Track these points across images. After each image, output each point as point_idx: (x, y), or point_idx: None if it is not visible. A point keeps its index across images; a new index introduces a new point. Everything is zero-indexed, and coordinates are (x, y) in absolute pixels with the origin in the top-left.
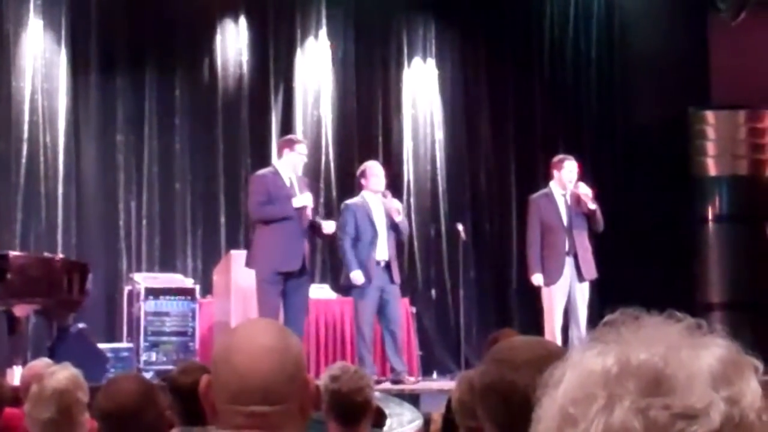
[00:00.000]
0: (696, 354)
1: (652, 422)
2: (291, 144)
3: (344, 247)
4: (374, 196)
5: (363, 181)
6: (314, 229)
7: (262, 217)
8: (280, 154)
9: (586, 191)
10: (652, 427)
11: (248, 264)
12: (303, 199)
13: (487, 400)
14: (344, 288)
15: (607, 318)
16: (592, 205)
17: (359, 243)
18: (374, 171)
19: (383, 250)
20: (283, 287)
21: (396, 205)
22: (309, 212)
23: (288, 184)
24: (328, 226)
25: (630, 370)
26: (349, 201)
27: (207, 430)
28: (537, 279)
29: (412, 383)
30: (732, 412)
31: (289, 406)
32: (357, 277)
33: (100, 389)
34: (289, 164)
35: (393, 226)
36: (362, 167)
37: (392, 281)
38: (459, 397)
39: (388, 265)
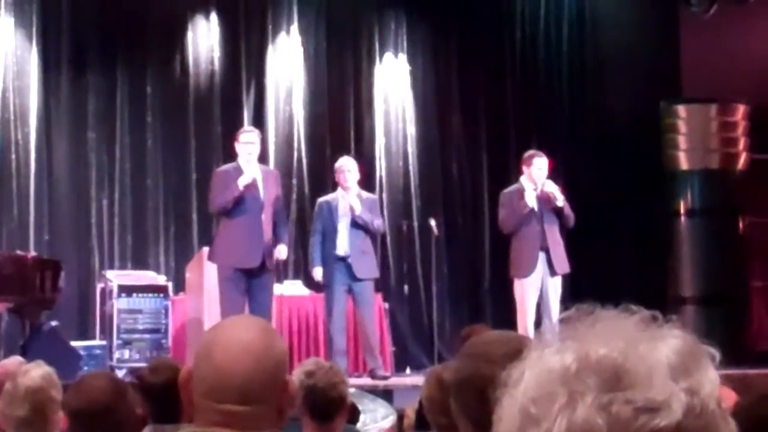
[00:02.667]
0: (654, 346)
1: (615, 417)
2: (236, 137)
3: (311, 243)
4: (344, 193)
5: (336, 178)
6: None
7: (217, 208)
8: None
9: (552, 189)
10: (616, 423)
11: (210, 258)
12: (247, 175)
13: (463, 395)
14: (318, 285)
15: (562, 315)
16: (560, 202)
17: (326, 239)
18: (343, 167)
19: (342, 246)
20: (247, 286)
21: (354, 202)
22: (257, 183)
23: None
24: (280, 252)
25: (590, 366)
26: (321, 198)
27: (179, 428)
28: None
29: (386, 378)
30: (693, 402)
31: (266, 407)
32: (316, 273)
33: (71, 387)
34: (242, 157)
35: (354, 222)
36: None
37: (355, 278)
38: (428, 394)
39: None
